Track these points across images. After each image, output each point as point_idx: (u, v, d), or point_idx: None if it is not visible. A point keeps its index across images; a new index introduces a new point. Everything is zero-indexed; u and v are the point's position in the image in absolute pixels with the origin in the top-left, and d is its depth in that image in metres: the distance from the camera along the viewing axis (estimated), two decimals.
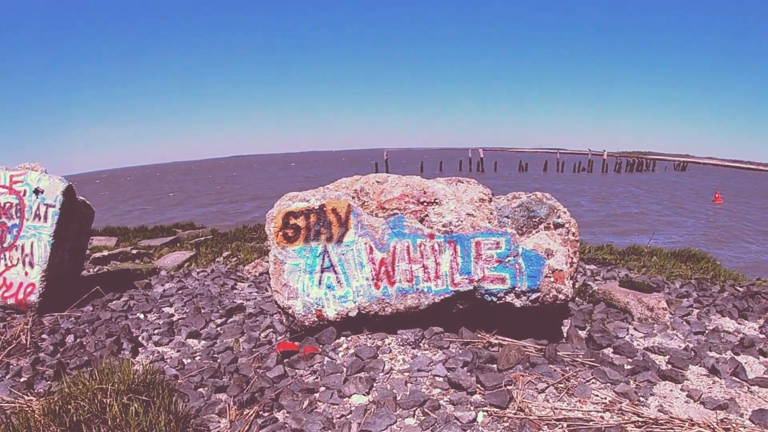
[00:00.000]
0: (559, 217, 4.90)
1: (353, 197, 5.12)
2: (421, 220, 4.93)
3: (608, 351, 4.74)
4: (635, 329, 5.43)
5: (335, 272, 4.89)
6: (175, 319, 6.23)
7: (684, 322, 5.62)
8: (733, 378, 4.21)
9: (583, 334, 5.12)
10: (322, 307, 4.91)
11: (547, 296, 4.54)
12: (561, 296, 4.54)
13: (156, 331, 5.72)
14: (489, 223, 4.85)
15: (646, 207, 35.63)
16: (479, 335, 4.73)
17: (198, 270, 8.71)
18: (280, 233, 4.99)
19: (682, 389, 4.01)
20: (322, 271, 4.90)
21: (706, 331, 5.38)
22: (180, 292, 7.35)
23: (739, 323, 5.77)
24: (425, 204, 4.97)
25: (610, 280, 7.38)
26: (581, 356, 4.44)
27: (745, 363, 4.53)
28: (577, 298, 6.46)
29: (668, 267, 8.36)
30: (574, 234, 4.88)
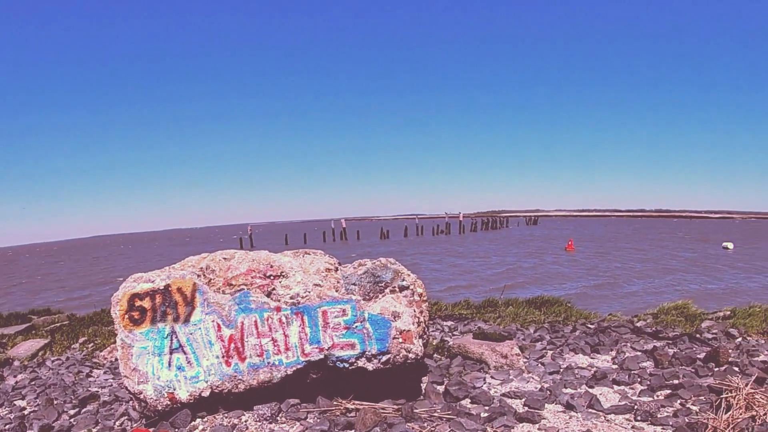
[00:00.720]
0: (403, 280, 6.11)
1: (199, 275, 6.00)
2: (269, 294, 5.89)
3: (466, 402, 5.87)
4: (492, 377, 6.74)
5: (184, 353, 5.71)
6: (26, 412, 6.87)
7: (539, 364, 7.09)
8: (589, 410, 5.51)
9: (440, 388, 6.28)
10: (174, 389, 5.66)
11: (398, 357, 5.67)
12: (411, 355, 5.72)
13: (7, 427, 6.26)
14: (336, 291, 5.92)
15: (503, 259, 43.25)
16: (336, 402, 5.69)
17: (53, 358, 9.83)
18: (126, 316, 5.76)
19: (539, 428, 5.10)
20: (171, 353, 5.71)
21: (561, 370, 6.86)
22: (33, 383, 8.21)
23: (592, 358, 7.47)
24: (272, 277, 5.96)
25: (466, 334, 8.74)
26: (439, 411, 5.47)
27: (600, 394, 5.98)
28: (435, 354, 7.75)
29: (522, 314, 10.36)
30: (420, 295, 6.12)
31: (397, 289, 6.11)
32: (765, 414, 5.11)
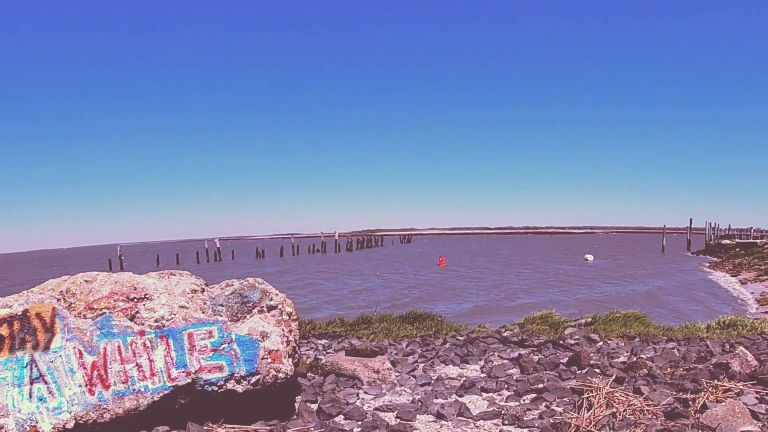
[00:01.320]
0: (271, 299, 6.08)
1: (59, 299, 5.68)
2: (132, 317, 5.67)
3: (339, 418, 5.89)
4: (365, 392, 6.80)
5: (46, 382, 5.36)
6: None
7: (411, 377, 7.26)
8: (459, 418, 5.70)
9: (314, 407, 6.26)
10: (37, 422, 5.29)
11: (267, 377, 5.62)
12: (281, 375, 5.69)
13: None
14: (202, 313, 5.80)
15: (382, 277, 43.91)
16: (207, 427, 5.52)
17: None
18: None
19: None
20: (31, 383, 5.35)
21: (432, 381, 7.04)
22: None
23: (461, 368, 7.72)
24: (136, 300, 5.74)
25: (340, 351, 8.79)
26: (312, 429, 5.49)
27: (469, 402, 6.20)
28: (309, 373, 7.68)
29: (395, 330, 10.52)
30: (289, 314, 6.12)
31: (266, 309, 6.08)
32: (624, 410, 5.44)
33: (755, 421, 5.09)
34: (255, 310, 6.04)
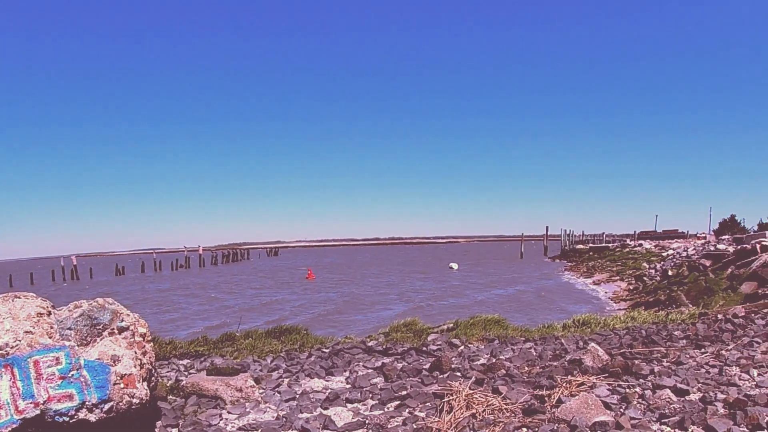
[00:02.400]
0: (122, 320, 5.78)
1: None
2: None
3: None
4: (228, 412, 6.61)
5: None
6: None
7: (275, 393, 7.12)
8: (324, 431, 5.68)
9: (175, 431, 6.09)
10: None
11: (121, 403, 5.32)
12: (135, 400, 5.41)
13: None
14: (49, 338, 5.42)
15: (246, 292, 43.03)
16: None
17: None
18: None
19: None
20: None
21: (297, 396, 6.96)
22: None
23: (327, 380, 7.67)
24: None
25: (202, 371, 8.49)
26: None
27: (334, 414, 6.18)
28: (170, 396, 7.39)
29: (259, 346, 10.29)
30: (142, 335, 5.86)
31: (116, 331, 5.77)
32: (484, 410, 5.58)
33: (608, 411, 5.39)
34: (105, 333, 5.72)
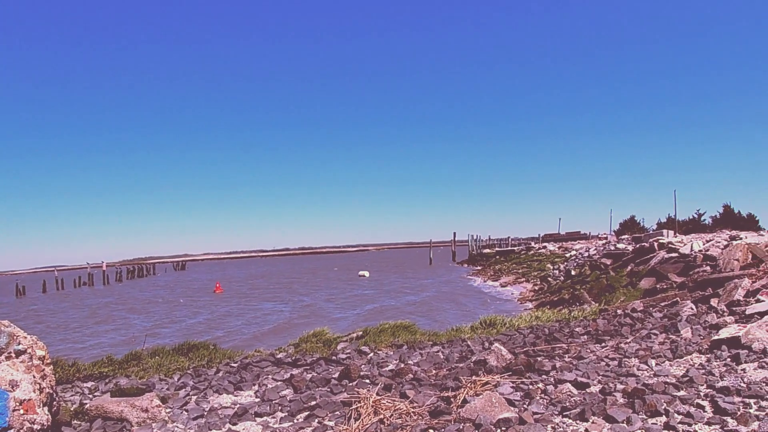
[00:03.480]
0: (19, 343, 5.58)
1: None
2: None
3: None
4: None
5: None
6: None
7: (183, 412, 6.95)
8: None
9: None
10: None
11: (22, 431, 5.13)
12: (36, 426, 5.23)
13: None
14: None
15: (152, 309, 41.80)
16: None
17: None
18: None
19: None
20: None
21: (205, 413, 6.81)
22: None
23: (235, 395, 7.58)
24: None
25: (107, 393, 8.23)
26: None
27: (243, 429, 6.13)
28: (74, 421, 7.14)
29: (166, 364, 10.11)
30: (41, 358, 5.66)
31: (14, 355, 5.56)
32: (391, 415, 5.65)
33: (512, 408, 5.56)
34: (2, 357, 5.51)
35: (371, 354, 9.49)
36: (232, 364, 9.44)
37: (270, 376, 8.49)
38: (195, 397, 7.76)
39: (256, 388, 7.93)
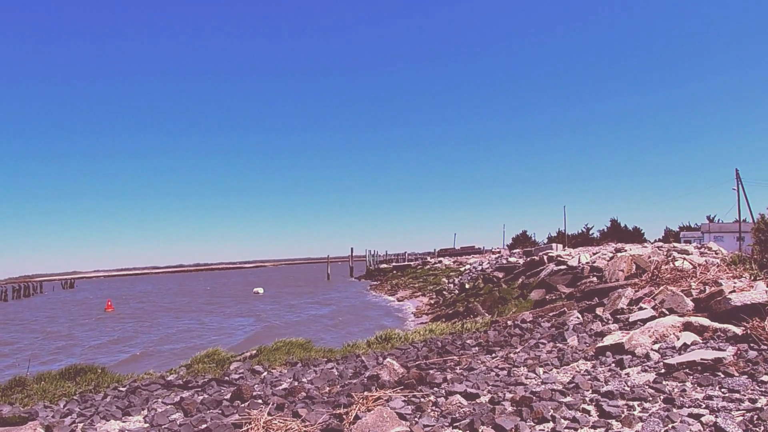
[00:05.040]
0: None
1: None
2: None
3: None
4: None
5: None
6: None
7: None
8: None
9: None
10: None
11: None
12: None
13: None
14: None
15: (40, 329, 39.68)
16: None
17: None
18: None
19: None
20: None
21: None
22: None
23: (123, 421, 7.29)
24: None
25: None
26: None
27: None
28: None
29: (52, 390, 9.68)
30: None
31: None
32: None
33: (403, 422, 5.62)
34: None
35: (265, 373, 9.39)
36: (121, 388, 9.11)
37: (160, 400, 8.25)
38: (81, 424, 7.42)
39: (145, 412, 7.66)
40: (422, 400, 6.38)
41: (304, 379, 8.47)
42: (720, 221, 62.81)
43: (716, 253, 22.26)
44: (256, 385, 8.19)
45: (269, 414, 6.17)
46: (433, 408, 6.11)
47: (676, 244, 30.43)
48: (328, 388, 7.51)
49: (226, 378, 9.14)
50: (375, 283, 61.60)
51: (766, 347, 7.03)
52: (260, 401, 7.20)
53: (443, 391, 6.72)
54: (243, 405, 7.18)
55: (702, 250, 24.26)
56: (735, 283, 10.75)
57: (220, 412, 7.01)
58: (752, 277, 11.44)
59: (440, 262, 61.96)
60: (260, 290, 62.78)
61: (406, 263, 71.45)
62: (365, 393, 6.59)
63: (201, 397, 8.07)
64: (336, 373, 8.62)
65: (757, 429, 4.64)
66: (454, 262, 57.59)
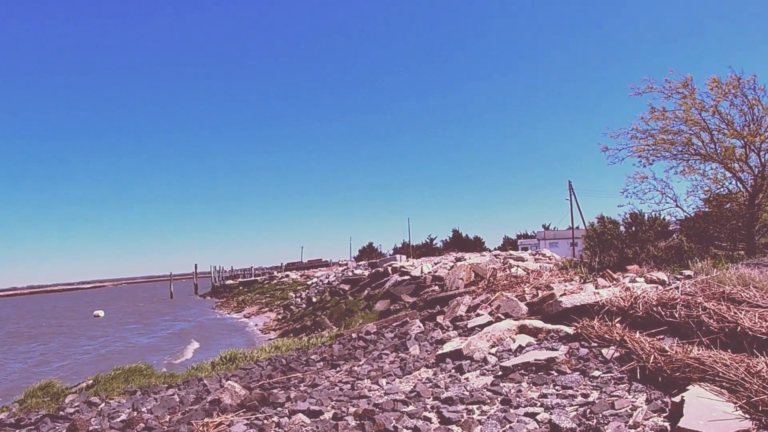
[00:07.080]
0: None
1: None
2: None
3: None
4: None
5: None
6: None
7: None
8: None
9: None
10: None
11: None
12: None
13: None
14: None
15: None
16: None
17: None
18: None
19: None
20: None
21: None
22: None
23: None
24: None
25: None
26: None
27: None
28: None
29: None
30: None
31: None
32: None
33: None
34: None
35: (102, 404, 8.93)
36: None
37: None
38: None
39: None
40: (265, 422, 6.35)
41: (143, 409, 8.15)
42: (555, 229, 66.82)
43: (550, 259, 23.75)
44: (93, 419, 7.77)
45: None
46: (276, 429, 6.10)
47: (512, 252, 32.05)
48: (168, 417, 7.28)
49: (61, 413, 8.60)
50: (221, 300, 60.23)
51: (596, 344, 7.60)
52: None
53: (287, 410, 6.72)
54: None
55: (537, 256, 25.75)
56: (566, 286, 11.53)
57: None
58: (582, 280, 12.34)
59: (287, 276, 61.66)
60: (101, 313, 59.47)
61: (253, 278, 70.35)
62: (206, 419, 6.46)
63: None
64: (177, 400, 8.36)
65: (590, 422, 4.99)
66: (301, 276, 57.51)
